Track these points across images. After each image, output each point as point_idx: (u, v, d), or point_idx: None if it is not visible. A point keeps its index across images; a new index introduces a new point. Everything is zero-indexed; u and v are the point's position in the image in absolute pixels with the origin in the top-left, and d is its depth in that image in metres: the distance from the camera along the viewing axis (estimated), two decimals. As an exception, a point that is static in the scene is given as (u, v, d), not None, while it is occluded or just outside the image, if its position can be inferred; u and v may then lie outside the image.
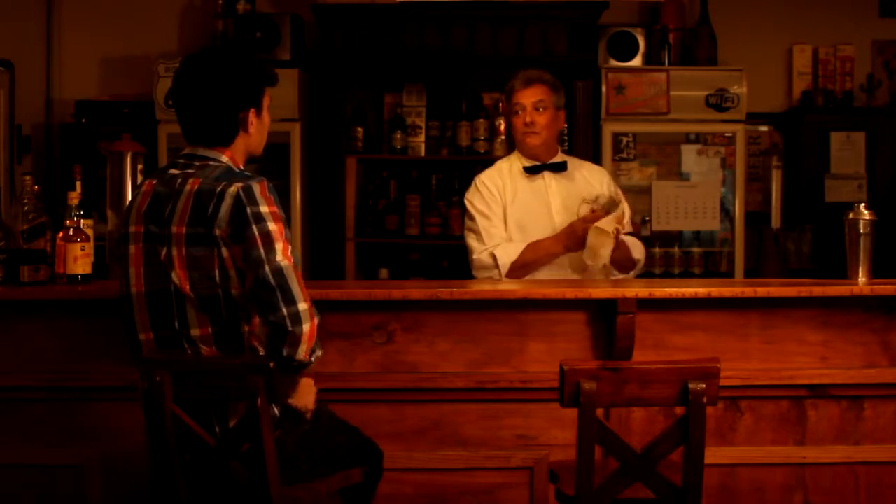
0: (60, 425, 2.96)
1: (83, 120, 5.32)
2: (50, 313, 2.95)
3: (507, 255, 3.54)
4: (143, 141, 3.44)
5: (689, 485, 2.29)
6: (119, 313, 2.54)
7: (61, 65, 5.60)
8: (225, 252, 2.35)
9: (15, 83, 5.13)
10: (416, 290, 2.92)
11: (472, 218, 3.68)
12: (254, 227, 2.32)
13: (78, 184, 3.15)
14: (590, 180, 3.74)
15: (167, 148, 5.05)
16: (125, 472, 2.92)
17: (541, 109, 3.63)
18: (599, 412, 2.28)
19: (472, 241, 3.67)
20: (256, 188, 2.36)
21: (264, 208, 2.35)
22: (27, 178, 3.15)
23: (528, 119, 3.63)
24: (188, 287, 2.36)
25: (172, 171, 2.49)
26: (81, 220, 3.07)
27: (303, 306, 2.32)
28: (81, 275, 3.04)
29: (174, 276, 2.37)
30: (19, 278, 3.05)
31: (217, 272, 2.36)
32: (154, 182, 2.48)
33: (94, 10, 5.58)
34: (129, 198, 3.16)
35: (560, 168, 3.71)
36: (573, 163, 3.79)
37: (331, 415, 2.59)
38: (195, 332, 2.39)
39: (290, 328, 2.30)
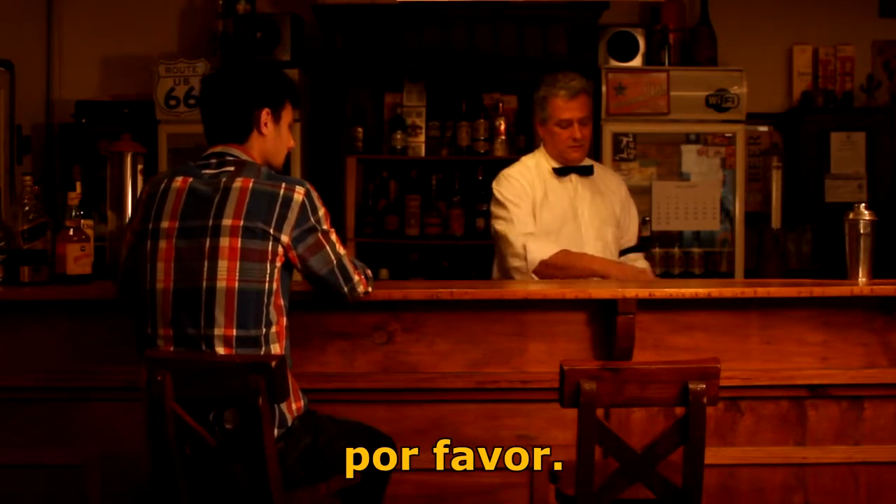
0: (60, 425, 2.96)
1: (83, 120, 5.32)
2: (50, 313, 2.95)
3: (540, 251, 3.47)
4: (143, 141, 3.44)
5: (689, 485, 2.29)
6: (127, 310, 2.55)
7: (61, 65, 5.60)
8: (279, 249, 2.47)
9: (15, 83, 5.14)
10: (416, 291, 2.93)
11: (502, 206, 3.59)
12: (319, 233, 2.54)
13: (78, 184, 3.15)
14: (609, 186, 3.72)
15: (167, 148, 5.06)
16: (125, 472, 2.92)
17: (586, 123, 3.61)
18: (599, 412, 2.28)
19: (502, 227, 3.57)
20: (313, 195, 2.54)
21: (321, 212, 2.55)
22: (27, 178, 3.15)
23: (577, 135, 3.59)
24: (235, 277, 2.41)
25: (207, 171, 2.53)
26: (81, 221, 3.06)
27: (356, 278, 2.66)
28: (81, 275, 3.04)
29: (220, 267, 2.41)
30: (19, 278, 3.05)
31: (267, 265, 2.45)
32: (190, 180, 2.51)
33: (94, 10, 5.59)
34: (136, 196, 3.16)
35: (587, 172, 3.67)
36: (595, 166, 3.76)
37: (332, 425, 2.58)
38: (218, 332, 2.41)
39: (350, 297, 2.67)
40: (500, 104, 5.33)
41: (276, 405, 2.39)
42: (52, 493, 2.97)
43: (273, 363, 2.26)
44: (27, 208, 3.09)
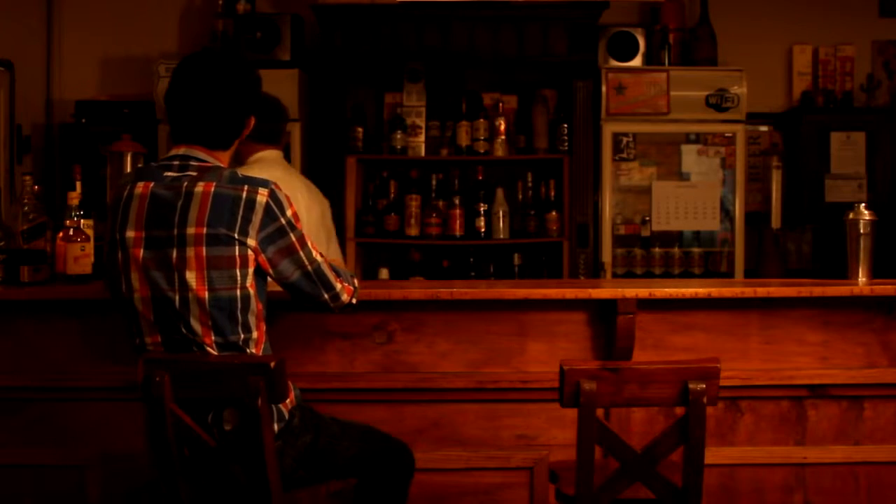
0: (60, 425, 2.96)
1: (83, 120, 5.32)
2: (50, 313, 2.95)
3: None
4: (143, 141, 3.45)
5: (689, 485, 2.29)
6: (120, 314, 2.53)
7: (61, 65, 5.60)
8: (248, 253, 2.37)
9: (15, 83, 5.13)
10: (416, 290, 2.93)
11: None
12: (291, 235, 2.43)
13: (78, 184, 3.15)
14: None
15: (167, 148, 5.05)
16: (125, 472, 2.92)
17: None
18: (599, 412, 2.28)
19: None
20: (279, 195, 2.42)
21: (289, 212, 2.43)
22: (27, 178, 3.15)
23: None
24: (205, 287, 2.34)
25: (169, 173, 2.45)
26: (81, 220, 3.06)
27: (338, 286, 2.54)
28: (81, 275, 3.04)
29: (188, 278, 2.34)
30: (19, 278, 3.05)
31: (238, 271, 2.36)
32: (151, 185, 2.43)
33: (94, 10, 5.59)
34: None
35: None
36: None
37: (335, 426, 2.55)
38: (199, 341, 2.37)
39: (332, 305, 2.55)
40: (500, 104, 5.32)
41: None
42: (52, 493, 2.97)
43: (272, 364, 2.26)
44: (27, 208, 3.09)
